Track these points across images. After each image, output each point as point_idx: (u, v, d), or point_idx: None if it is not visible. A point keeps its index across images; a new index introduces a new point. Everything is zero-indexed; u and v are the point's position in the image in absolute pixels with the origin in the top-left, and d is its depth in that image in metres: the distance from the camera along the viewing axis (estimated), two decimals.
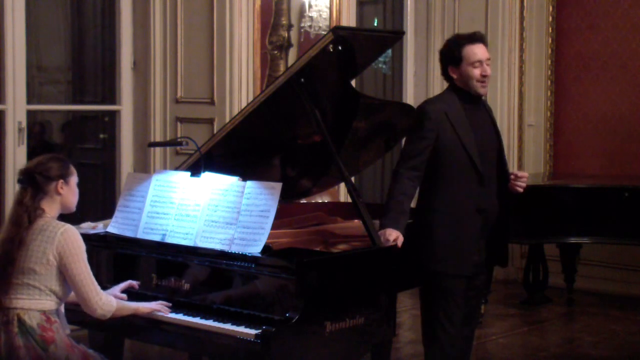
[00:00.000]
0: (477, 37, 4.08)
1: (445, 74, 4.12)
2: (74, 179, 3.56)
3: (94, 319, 3.48)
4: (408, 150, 4.05)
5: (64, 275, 3.41)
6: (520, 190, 4.15)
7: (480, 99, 4.15)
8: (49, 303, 3.42)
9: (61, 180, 3.50)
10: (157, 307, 3.60)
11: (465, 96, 4.07)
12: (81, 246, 3.43)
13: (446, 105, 4.05)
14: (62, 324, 3.46)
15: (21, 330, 3.36)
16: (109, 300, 3.47)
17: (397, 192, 3.98)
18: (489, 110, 4.24)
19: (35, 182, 3.47)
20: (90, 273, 3.43)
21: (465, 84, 4.04)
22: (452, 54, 4.05)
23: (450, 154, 4.01)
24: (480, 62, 4.01)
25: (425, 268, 4.07)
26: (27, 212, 3.43)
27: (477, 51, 4.03)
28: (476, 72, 4.01)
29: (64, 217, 3.55)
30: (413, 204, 4.12)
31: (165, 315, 3.57)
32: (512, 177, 4.14)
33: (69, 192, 3.54)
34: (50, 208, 3.50)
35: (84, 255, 3.43)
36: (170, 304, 3.63)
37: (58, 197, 3.51)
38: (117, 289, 3.73)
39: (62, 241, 3.39)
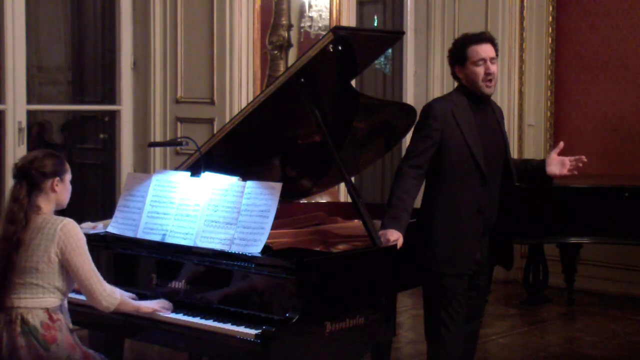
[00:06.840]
0: (483, 37, 4.07)
1: (453, 74, 4.12)
2: (68, 176, 3.52)
3: (94, 318, 3.47)
4: (413, 148, 4.03)
5: (67, 270, 3.39)
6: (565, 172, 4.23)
7: (488, 100, 4.14)
8: (53, 300, 3.40)
9: (57, 178, 3.45)
10: (158, 308, 3.59)
11: (473, 97, 4.06)
12: (82, 239, 3.41)
13: (453, 105, 4.04)
14: (65, 320, 3.44)
15: (23, 330, 3.34)
16: (113, 292, 3.46)
17: (400, 190, 3.96)
18: (496, 112, 4.23)
19: (30, 178, 3.42)
20: (93, 265, 3.42)
21: (472, 84, 4.04)
22: (458, 54, 4.05)
23: (454, 154, 4.00)
24: (484, 60, 4.00)
25: (426, 268, 4.07)
26: (22, 210, 3.38)
27: (480, 50, 4.01)
28: (480, 70, 4.00)
29: (61, 213, 3.53)
30: (417, 203, 4.12)
31: (165, 315, 3.57)
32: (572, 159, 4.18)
33: (63, 190, 3.50)
34: (46, 205, 3.45)
35: (86, 248, 3.41)
36: (171, 304, 3.62)
37: (53, 195, 3.46)
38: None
39: (62, 236, 3.36)
